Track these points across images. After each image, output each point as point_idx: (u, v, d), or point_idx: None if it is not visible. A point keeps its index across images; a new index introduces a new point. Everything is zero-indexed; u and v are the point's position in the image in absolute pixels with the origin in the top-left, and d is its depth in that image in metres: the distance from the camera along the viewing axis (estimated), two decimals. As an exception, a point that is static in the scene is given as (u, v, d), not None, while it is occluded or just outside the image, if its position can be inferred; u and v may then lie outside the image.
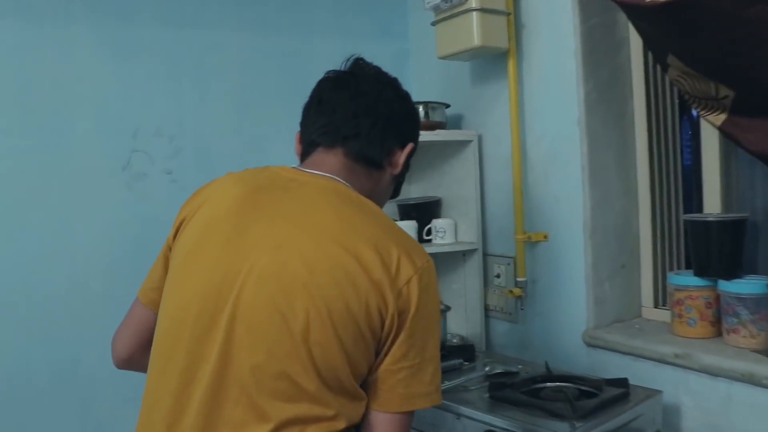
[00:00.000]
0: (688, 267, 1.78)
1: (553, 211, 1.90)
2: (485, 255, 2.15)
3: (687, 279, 1.64)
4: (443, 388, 1.41)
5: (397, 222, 2.12)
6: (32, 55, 1.88)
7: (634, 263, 1.87)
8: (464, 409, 1.44)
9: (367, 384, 0.96)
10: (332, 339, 0.89)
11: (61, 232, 1.89)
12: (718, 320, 1.61)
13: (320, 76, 2.20)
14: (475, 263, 2.14)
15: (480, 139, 2.15)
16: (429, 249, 2.15)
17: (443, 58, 2.00)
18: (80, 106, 1.95)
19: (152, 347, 1.00)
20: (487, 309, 2.15)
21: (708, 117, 1.44)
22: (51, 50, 1.90)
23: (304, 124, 1.14)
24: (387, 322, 0.92)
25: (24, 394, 1.83)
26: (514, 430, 1.33)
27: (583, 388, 1.51)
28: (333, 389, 0.91)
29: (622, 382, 1.50)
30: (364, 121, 1.07)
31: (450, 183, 2.24)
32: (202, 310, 0.94)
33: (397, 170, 1.14)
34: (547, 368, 1.63)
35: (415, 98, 2.11)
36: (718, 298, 1.60)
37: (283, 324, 0.90)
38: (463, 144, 2.15)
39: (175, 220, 1.08)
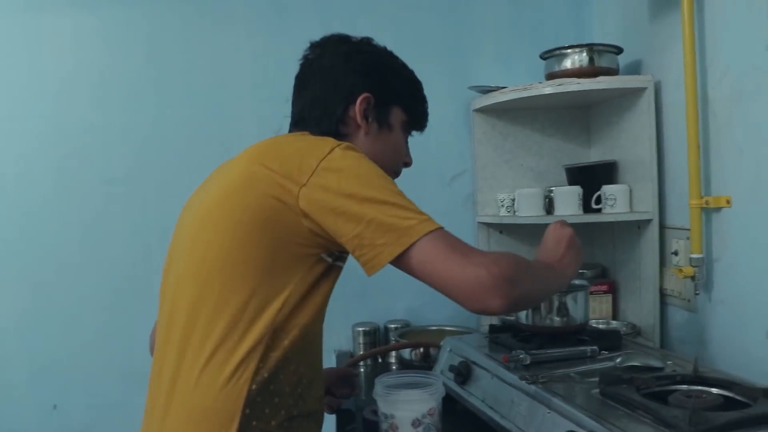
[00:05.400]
0: None
1: (738, 168, 1.46)
2: (662, 227, 1.75)
3: None
4: (554, 375, 1.25)
5: (563, 187, 1.86)
6: (196, 34, 2.05)
7: None
8: (556, 402, 1.17)
9: None
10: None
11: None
12: None
13: (482, 28, 2.07)
14: (650, 237, 1.76)
15: (658, 86, 1.75)
16: (597, 219, 1.84)
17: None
18: (238, 75, 2.07)
19: None
20: (663, 294, 1.76)
21: None
22: (210, 26, 2.05)
23: None
24: (304, 221, 0.98)
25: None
26: (602, 435, 1.03)
27: (732, 396, 1.12)
28: None
29: (789, 395, 1.08)
30: (304, 108, 1.20)
31: (626, 142, 1.87)
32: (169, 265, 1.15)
33: (363, 125, 1.16)
34: (695, 367, 1.25)
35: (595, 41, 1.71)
36: None
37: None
38: (637, 93, 1.78)
39: None
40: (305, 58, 1.22)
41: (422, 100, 1.27)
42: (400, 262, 0.94)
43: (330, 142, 1.02)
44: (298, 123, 1.20)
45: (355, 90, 1.16)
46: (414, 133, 1.28)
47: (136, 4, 2.03)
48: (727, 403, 1.10)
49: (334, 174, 0.97)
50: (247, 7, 2.06)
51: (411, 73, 1.26)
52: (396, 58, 1.25)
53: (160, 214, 2.00)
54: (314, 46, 1.22)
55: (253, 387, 0.98)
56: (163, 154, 2.05)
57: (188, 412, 0.99)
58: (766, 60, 1.34)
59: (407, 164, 1.27)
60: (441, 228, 0.95)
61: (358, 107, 1.15)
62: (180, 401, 1.01)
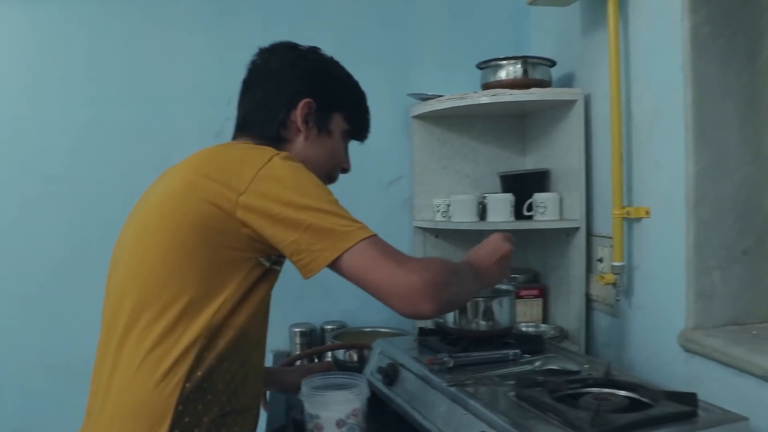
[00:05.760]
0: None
1: (656, 181, 1.53)
2: (589, 235, 1.82)
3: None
4: (475, 378, 1.30)
5: (495, 194, 1.91)
6: (138, 33, 2.03)
7: (764, 250, 1.43)
8: (472, 404, 1.21)
9: None
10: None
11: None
12: None
13: (422, 36, 2.10)
14: (578, 244, 1.83)
15: (588, 99, 1.82)
16: (529, 226, 1.89)
17: (532, 3, 1.72)
18: (179, 76, 2.05)
19: None
20: (589, 299, 1.83)
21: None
22: (153, 27, 2.04)
23: None
24: (242, 227, 1.01)
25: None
26: (512, 435, 1.08)
27: (637, 398, 1.18)
28: None
29: (688, 398, 1.14)
30: (248, 112, 1.24)
31: (558, 152, 1.94)
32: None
33: (304, 129, 1.20)
34: (607, 370, 1.31)
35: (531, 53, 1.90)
36: None
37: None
38: (568, 105, 1.85)
39: None
40: (253, 63, 1.25)
41: (365, 111, 1.31)
42: (335, 266, 0.98)
43: (269, 151, 1.06)
44: (242, 126, 1.23)
45: (297, 95, 1.19)
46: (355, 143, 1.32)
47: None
48: (632, 405, 1.16)
49: (272, 182, 1.00)
50: (190, 8, 2.05)
51: (355, 84, 1.29)
52: (342, 68, 1.28)
53: (97, 213, 1.99)
54: (262, 52, 1.25)
55: (187, 385, 1.01)
56: (102, 153, 2.02)
57: (123, 409, 1.01)
58: (680, 80, 1.41)
59: (345, 170, 1.31)
60: (375, 235, 0.99)
61: (299, 112, 1.19)
62: (115, 398, 1.02)
